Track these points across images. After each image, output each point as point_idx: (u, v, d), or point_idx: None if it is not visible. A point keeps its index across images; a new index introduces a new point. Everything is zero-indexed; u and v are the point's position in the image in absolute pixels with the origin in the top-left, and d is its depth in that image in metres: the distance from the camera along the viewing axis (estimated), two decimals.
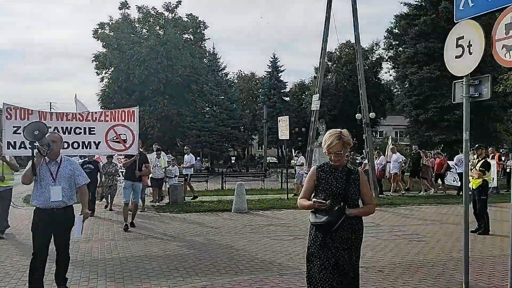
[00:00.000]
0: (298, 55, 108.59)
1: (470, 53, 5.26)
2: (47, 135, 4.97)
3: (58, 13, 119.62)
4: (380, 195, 15.43)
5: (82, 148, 9.24)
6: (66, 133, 8.93)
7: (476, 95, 5.42)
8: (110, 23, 38.35)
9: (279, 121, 16.42)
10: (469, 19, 5.34)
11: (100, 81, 40.07)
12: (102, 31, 37.85)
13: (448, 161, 18.08)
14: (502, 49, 4.92)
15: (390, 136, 32.23)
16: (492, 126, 28.74)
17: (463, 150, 5.75)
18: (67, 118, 9.09)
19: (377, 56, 45.99)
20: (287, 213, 12.06)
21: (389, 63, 42.10)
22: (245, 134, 49.71)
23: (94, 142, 9.23)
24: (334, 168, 3.67)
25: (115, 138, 9.34)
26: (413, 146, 21.63)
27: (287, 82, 52.75)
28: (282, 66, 52.16)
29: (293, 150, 30.57)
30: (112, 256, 7.21)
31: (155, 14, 39.94)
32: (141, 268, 6.38)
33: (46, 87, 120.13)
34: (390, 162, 16.79)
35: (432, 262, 6.72)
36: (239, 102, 46.48)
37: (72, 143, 9.05)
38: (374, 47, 46.13)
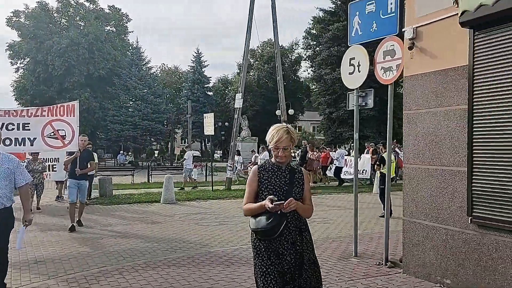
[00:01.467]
0: (222, 49, 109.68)
1: (359, 71, 6.74)
2: None
3: None
4: None
5: (15, 145, 8.66)
6: None
7: (363, 104, 6.95)
8: (26, 11, 36.64)
9: (205, 117, 17.47)
10: (358, 44, 6.82)
11: (15, 71, 38.12)
12: (17, 19, 36.09)
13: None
14: (380, 70, 6.43)
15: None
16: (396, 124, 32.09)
17: (354, 147, 7.26)
18: None
19: (297, 55, 48.51)
20: (212, 203, 13.20)
21: (307, 62, 44.84)
22: (168, 128, 49.89)
23: (29, 139, 8.75)
24: (277, 167, 3.36)
25: (52, 134, 8.88)
26: (302, 142, 23.81)
27: (210, 77, 53.74)
28: (206, 61, 53.17)
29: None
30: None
31: (75, 4, 38.81)
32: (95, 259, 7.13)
33: None
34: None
35: (332, 239, 8.23)
36: (163, 96, 46.61)
37: (4, 140, 8.35)
38: (294, 46, 48.67)
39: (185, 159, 17.92)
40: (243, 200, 3.42)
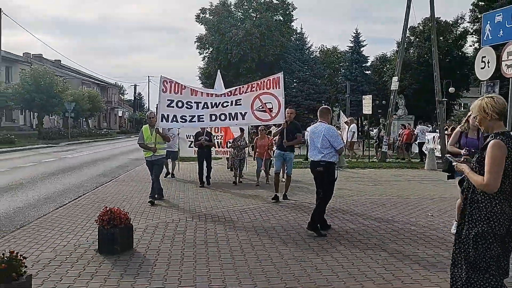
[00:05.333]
0: (381, 23, 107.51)
1: (489, 67, 8.82)
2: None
3: None
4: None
5: (229, 119, 9.28)
6: (214, 107, 9.15)
7: (491, 92, 9.01)
8: (210, 8, 43.46)
9: (363, 99, 20.13)
10: (489, 46, 8.86)
11: (202, 60, 45.74)
12: (204, 15, 43.17)
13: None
14: (504, 66, 8.44)
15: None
16: None
17: None
18: (216, 96, 9.43)
19: (462, 30, 46.56)
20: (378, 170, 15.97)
21: (474, 36, 42.90)
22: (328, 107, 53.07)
23: (241, 113, 9.17)
24: None
25: (261, 107, 9.12)
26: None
27: (368, 56, 54.81)
28: (364, 40, 54.29)
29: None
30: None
31: None
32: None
33: (129, 60, 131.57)
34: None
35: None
36: (323, 77, 49.84)
37: (220, 115, 9.13)
38: (459, 21, 46.73)
39: (353, 132, 20.12)
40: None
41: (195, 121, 9.15)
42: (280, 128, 9.11)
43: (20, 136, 32.17)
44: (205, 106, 9.10)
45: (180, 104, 9.05)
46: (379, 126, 30.50)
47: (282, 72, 9.56)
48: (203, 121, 9.21)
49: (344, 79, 49.60)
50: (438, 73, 19.68)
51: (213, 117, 9.19)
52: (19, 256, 3.92)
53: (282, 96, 9.14)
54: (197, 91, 9.34)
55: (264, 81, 9.35)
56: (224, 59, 40.29)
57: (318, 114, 7.07)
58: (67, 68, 62.28)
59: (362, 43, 53.68)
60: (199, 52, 45.61)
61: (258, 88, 9.23)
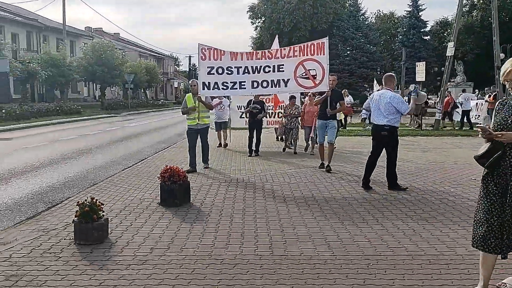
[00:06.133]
0: None
1: None
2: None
3: None
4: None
5: (271, 86, 8.96)
6: (256, 72, 8.82)
7: None
8: None
9: (417, 65, 19.74)
10: None
11: (254, 30, 45.90)
12: None
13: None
14: None
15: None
16: None
17: None
18: (256, 57, 8.94)
19: None
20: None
21: None
22: (382, 75, 51.73)
23: (283, 80, 8.83)
24: (507, 102, 3.36)
25: (304, 74, 8.72)
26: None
27: (427, 21, 52.27)
28: (423, 4, 51.74)
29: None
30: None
31: None
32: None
33: (183, 32, 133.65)
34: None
35: None
36: (378, 44, 48.41)
37: (261, 82, 8.86)
38: None
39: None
40: None
41: (236, 88, 8.90)
42: (323, 96, 8.96)
43: (85, 107, 34.43)
44: (246, 71, 8.81)
45: (220, 71, 8.82)
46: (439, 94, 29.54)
47: (327, 37, 9.03)
48: (245, 88, 8.92)
49: (400, 45, 47.86)
50: (497, 37, 18.90)
51: (255, 84, 8.88)
52: (98, 203, 4.73)
53: (326, 62, 8.71)
54: (236, 53, 8.99)
55: (307, 45, 8.87)
56: (277, 28, 40.18)
57: (383, 81, 7.53)
58: (125, 41, 64.71)
59: (421, 7, 51.27)
60: (251, 22, 45.77)
61: (301, 54, 8.78)
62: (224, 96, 12.64)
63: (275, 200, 6.60)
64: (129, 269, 4.02)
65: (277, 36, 14.87)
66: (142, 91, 54.19)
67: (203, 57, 8.74)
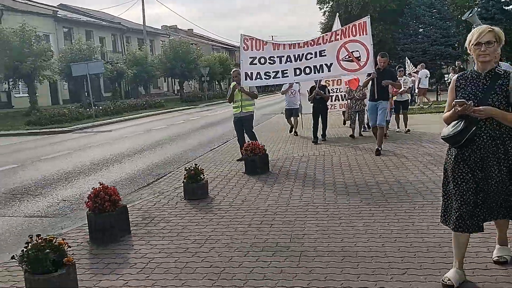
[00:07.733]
0: None
1: None
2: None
3: None
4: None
5: (314, 72, 8.75)
6: (298, 60, 8.72)
7: None
8: None
9: None
10: None
11: (323, 15, 46.35)
12: None
13: None
14: None
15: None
16: None
17: None
18: (298, 46, 8.83)
19: None
20: None
21: None
22: (458, 51, 49.58)
23: (326, 65, 8.60)
24: (476, 74, 3.15)
25: (347, 57, 8.45)
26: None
27: None
28: None
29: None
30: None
31: None
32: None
33: (251, 22, 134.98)
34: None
35: None
36: (453, 19, 46.47)
37: (304, 69, 8.73)
38: None
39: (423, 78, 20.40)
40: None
41: (279, 77, 8.83)
42: (369, 78, 8.81)
43: (166, 101, 37.31)
44: (288, 60, 8.69)
45: (262, 61, 8.73)
46: None
47: (368, 16, 8.67)
48: (287, 76, 8.86)
49: (479, 18, 45.40)
50: None
51: (298, 71, 8.73)
52: (199, 168, 6.21)
53: (370, 42, 8.32)
54: (279, 44, 8.99)
55: (348, 27, 8.55)
56: (345, 12, 40.23)
57: None
58: (199, 36, 67.86)
59: None
60: (319, 7, 46.17)
61: (343, 36, 8.45)
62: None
63: (335, 189, 7.69)
64: (227, 215, 5.41)
65: (337, 15, 14.75)
66: (217, 82, 56.76)
67: (245, 48, 8.68)
